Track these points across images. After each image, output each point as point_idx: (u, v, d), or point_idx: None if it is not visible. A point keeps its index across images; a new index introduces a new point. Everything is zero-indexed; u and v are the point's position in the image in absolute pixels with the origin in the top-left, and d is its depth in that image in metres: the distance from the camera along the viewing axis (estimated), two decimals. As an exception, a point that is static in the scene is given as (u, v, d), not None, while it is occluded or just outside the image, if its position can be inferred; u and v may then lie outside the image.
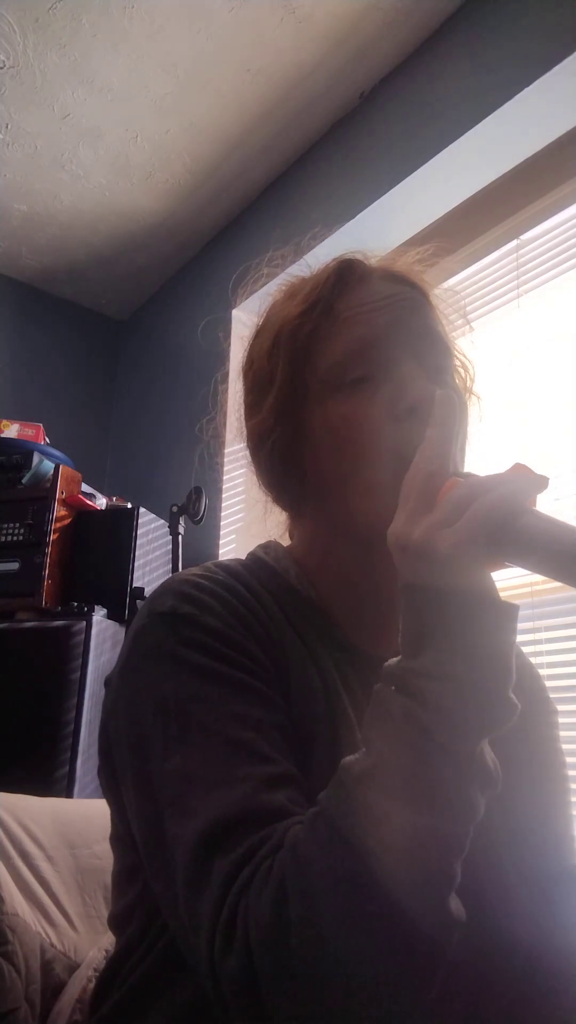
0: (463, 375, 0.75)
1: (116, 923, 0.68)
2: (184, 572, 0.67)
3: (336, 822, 0.47)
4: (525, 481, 0.51)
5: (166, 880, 0.54)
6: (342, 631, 0.69)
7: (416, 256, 0.77)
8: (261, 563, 0.72)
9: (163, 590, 0.64)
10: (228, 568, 0.68)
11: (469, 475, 0.55)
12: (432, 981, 0.46)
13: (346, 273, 0.71)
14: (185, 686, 0.57)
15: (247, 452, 0.76)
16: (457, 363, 0.74)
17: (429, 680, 0.48)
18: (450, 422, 0.55)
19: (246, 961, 0.46)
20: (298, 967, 0.45)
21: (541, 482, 0.52)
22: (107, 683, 0.67)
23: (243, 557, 0.74)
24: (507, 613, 0.50)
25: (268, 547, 0.75)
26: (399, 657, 0.51)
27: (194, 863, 0.50)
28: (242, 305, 2.43)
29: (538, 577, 1.55)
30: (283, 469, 0.71)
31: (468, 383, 0.76)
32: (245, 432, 0.76)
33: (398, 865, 0.45)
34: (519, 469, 0.53)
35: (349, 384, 0.66)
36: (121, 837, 0.67)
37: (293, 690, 0.61)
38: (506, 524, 0.49)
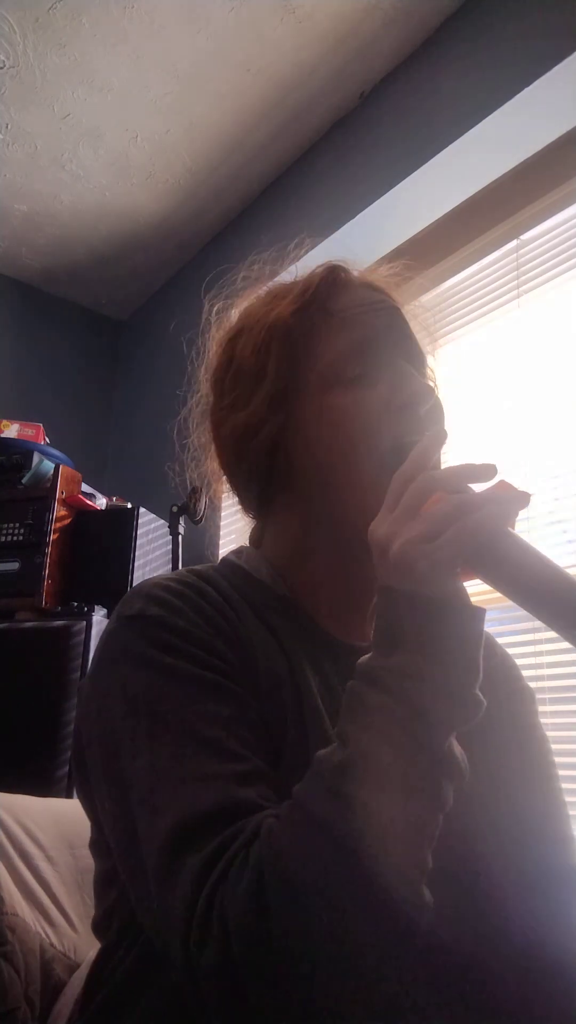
0: (433, 386, 0.78)
1: (97, 928, 0.69)
2: (155, 577, 0.69)
3: (315, 811, 0.49)
4: (508, 501, 0.53)
5: (138, 879, 0.54)
6: (317, 624, 0.70)
7: (387, 270, 0.81)
8: (233, 566, 0.74)
9: (132, 594, 0.66)
10: (198, 572, 0.69)
11: (452, 482, 0.56)
12: (406, 964, 0.48)
13: (336, 276, 0.75)
14: (154, 686, 0.58)
15: (224, 452, 0.76)
16: (428, 371, 0.78)
17: (403, 679, 0.51)
18: (477, 474, 0.57)
19: (224, 951, 0.46)
20: (278, 954, 0.45)
21: (523, 500, 0.54)
22: (79, 689, 0.67)
23: (211, 564, 0.75)
24: (475, 616, 0.53)
25: (240, 552, 0.77)
26: (371, 655, 0.54)
27: (165, 860, 0.51)
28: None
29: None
30: (270, 462, 0.72)
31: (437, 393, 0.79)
32: (219, 433, 0.77)
33: (376, 852, 0.47)
34: (503, 487, 0.55)
35: (347, 380, 0.69)
36: (98, 843, 0.68)
37: (262, 687, 0.62)
38: (485, 547, 0.51)
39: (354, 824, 0.47)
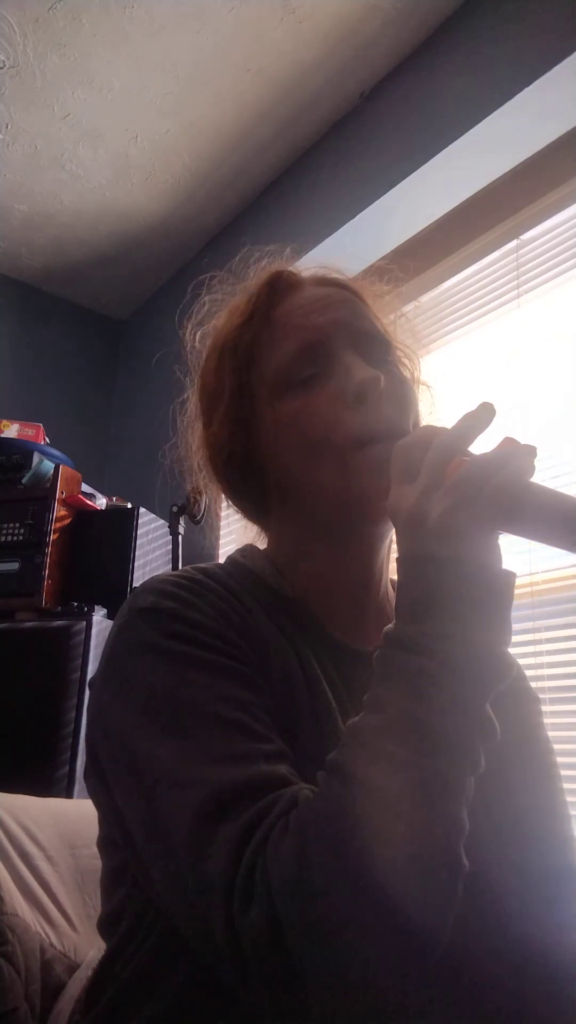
0: (408, 365, 0.78)
1: (105, 926, 0.68)
2: (162, 574, 0.69)
3: (353, 771, 0.49)
4: (524, 454, 0.55)
5: (164, 854, 0.54)
6: (320, 624, 0.71)
7: (383, 289, 0.81)
8: (238, 565, 0.74)
9: (143, 589, 0.66)
10: (205, 570, 0.70)
11: (464, 444, 0.58)
12: (446, 930, 0.48)
13: (277, 282, 0.75)
14: (172, 675, 0.58)
15: (210, 472, 0.79)
16: (400, 355, 0.77)
17: (441, 640, 0.52)
18: (478, 423, 0.58)
19: (269, 912, 0.46)
20: (323, 915, 0.46)
21: (533, 451, 0.56)
22: (91, 684, 0.67)
23: (217, 563, 0.75)
24: (509, 580, 0.54)
25: (244, 551, 0.77)
26: (399, 624, 0.54)
27: (197, 830, 0.51)
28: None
29: (538, 577, 1.55)
30: (242, 476, 0.74)
31: (416, 373, 0.79)
32: (203, 452, 0.79)
33: (416, 810, 0.48)
34: (510, 443, 0.57)
35: (297, 384, 0.70)
36: (107, 839, 0.67)
37: (275, 680, 0.63)
38: (520, 499, 0.53)
39: (396, 782, 0.48)
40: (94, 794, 0.68)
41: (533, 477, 0.55)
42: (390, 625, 0.55)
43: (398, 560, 0.57)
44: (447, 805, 0.49)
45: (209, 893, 0.49)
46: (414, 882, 0.47)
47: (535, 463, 0.55)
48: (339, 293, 0.75)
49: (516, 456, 0.54)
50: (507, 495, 0.53)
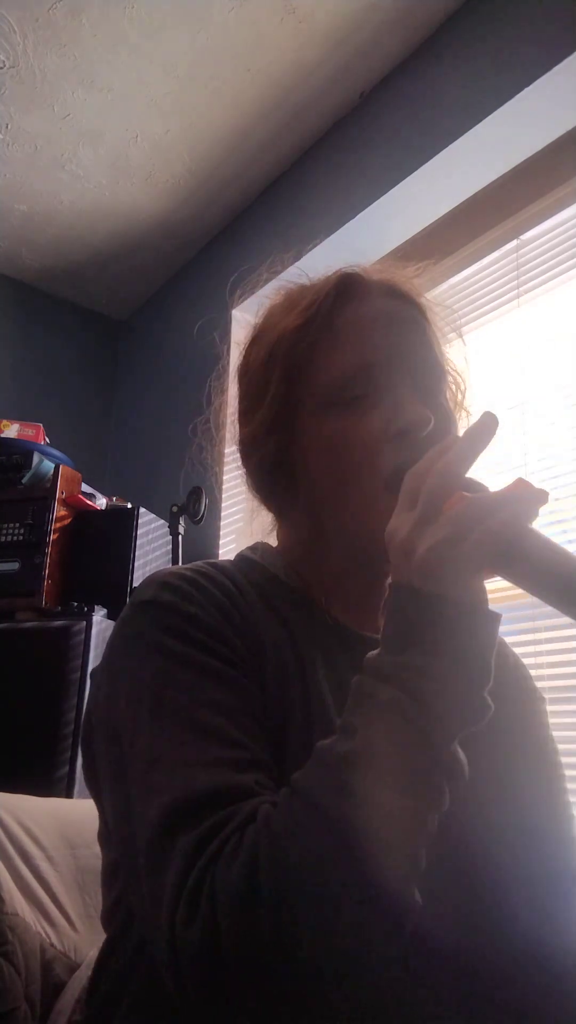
0: (454, 390, 0.77)
1: (105, 919, 0.69)
2: (170, 567, 0.70)
3: (315, 799, 0.49)
4: (528, 499, 0.53)
5: (131, 860, 0.54)
6: (329, 614, 0.71)
7: (415, 272, 0.78)
8: (248, 560, 0.75)
9: (147, 581, 0.67)
10: (213, 564, 0.71)
11: (474, 486, 0.56)
12: (392, 949, 0.48)
13: (346, 287, 0.72)
14: (161, 671, 0.59)
15: (241, 461, 0.78)
16: (449, 379, 0.76)
17: (418, 675, 0.51)
18: (480, 442, 0.56)
19: (210, 930, 0.46)
20: (265, 938, 0.45)
21: (542, 497, 0.54)
22: (93, 675, 0.68)
23: (227, 559, 0.76)
24: (493, 620, 0.53)
25: (255, 547, 0.78)
26: (381, 651, 0.54)
27: (157, 838, 0.51)
28: (241, 305, 2.43)
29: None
30: (271, 480, 0.74)
31: (459, 398, 0.78)
32: (238, 435, 0.78)
33: (373, 844, 0.47)
34: (520, 485, 0.54)
35: (345, 402, 0.68)
36: (105, 833, 0.68)
37: (269, 676, 0.63)
38: (511, 546, 0.51)
39: (354, 815, 0.47)
40: (89, 785, 0.69)
41: (538, 524, 0.53)
42: (372, 652, 0.55)
43: (388, 587, 0.56)
44: (406, 843, 0.48)
45: (158, 903, 0.49)
46: (360, 918, 0.46)
47: (539, 510, 0.53)
48: (406, 311, 0.73)
49: (519, 501, 0.53)
50: (500, 540, 0.51)
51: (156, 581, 0.66)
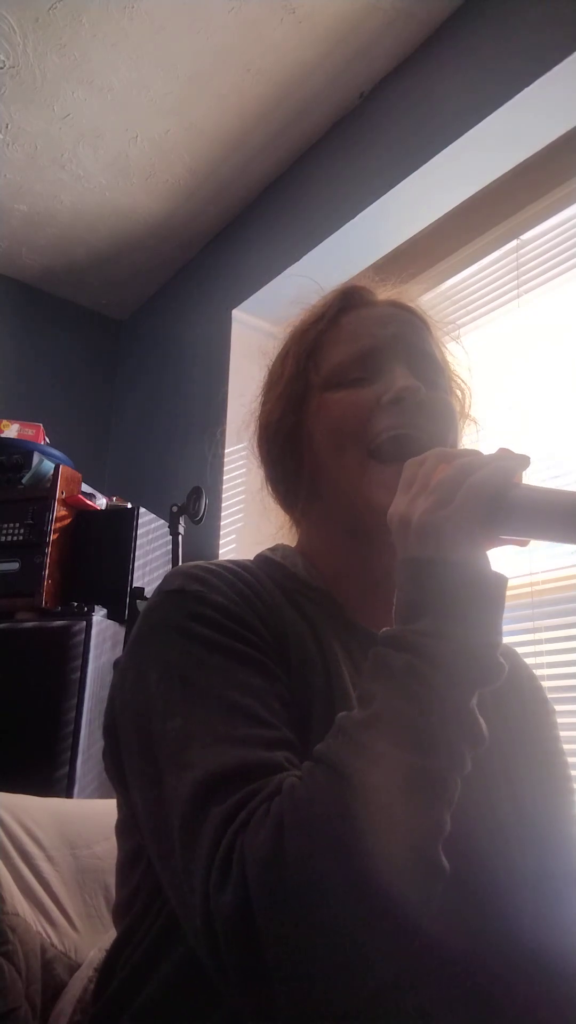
0: (460, 398, 0.82)
1: (119, 912, 0.69)
2: (193, 562, 0.72)
3: (336, 763, 0.50)
4: (510, 459, 0.56)
5: (164, 837, 0.55)
6: (348, 613, 0.73)
7: (420, 291, 0.84)
8: (268, 560, 0.77)
9: (173, 573, 0.69)
10: (234, 561, 0.73)
11: (455, 453, 0.60)
12: (419, 924, 0.48)
13: (352, 295, 0.80)
14: (190, 654, 0.60)
15: (256, 450, 0.83)
16: (454, 386, 0.81)
17: (428, 637, 0.53)
18: (504, 467, 0.57)
19: (242, 895, 0.47)
20: (293, 900, 0.46)
21: (524, 460, 0.57)
22: (116, 664, 0.70)
23: (247, 558, 0.78)
24: (497, 581, 0.56)
25: (275, 548, 0.80)
26: (394, 625, 0.56)
27: (190, 812, 0.52)
28: (241, 306, 2.43)
29: (538, 577, 1.55)
30: (282, 455, 0.78)
31: (466, 407, 0.82)
32: (257, 430, 0.83)
33: (394, 803, 0.49)
34: (501, 451, 0.58)
35: (347, 383, 0.74)
36: (125, 821, 0.69)
37: (294, 666, 0.64)
38: (499, 497, 0.54)
39: (376, 776, 0.49)
40: (111, 773, 0.70)
41: (525, 481, 0.56)
42: (386, 628, 0.56)
43: (396, 566, 0.59)
44: (426, 802, 0.50)
45: (191, 875, 0.51)
46: (387, 878, 0.47)
47: (524, 468, 0.56)
48: (406, 315, 0.79)
49: (500, 459, 0.56)
50: (484, 494, 0.54)
51: (182, 572, 0.68)
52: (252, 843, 0.48)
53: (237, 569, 0.70)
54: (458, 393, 0.81)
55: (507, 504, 0.54)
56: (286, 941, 0.46)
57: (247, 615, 0.64)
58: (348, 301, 0.80)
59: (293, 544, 0.82)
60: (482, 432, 0.84)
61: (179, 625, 0.62)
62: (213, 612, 0.63)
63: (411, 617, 0.55)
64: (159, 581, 0.70)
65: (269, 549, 0.80)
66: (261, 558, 0.78)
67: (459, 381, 0.82)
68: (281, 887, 0.47)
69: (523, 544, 0.58)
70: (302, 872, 0.47)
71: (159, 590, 0.67)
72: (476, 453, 0.59)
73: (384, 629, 0.57)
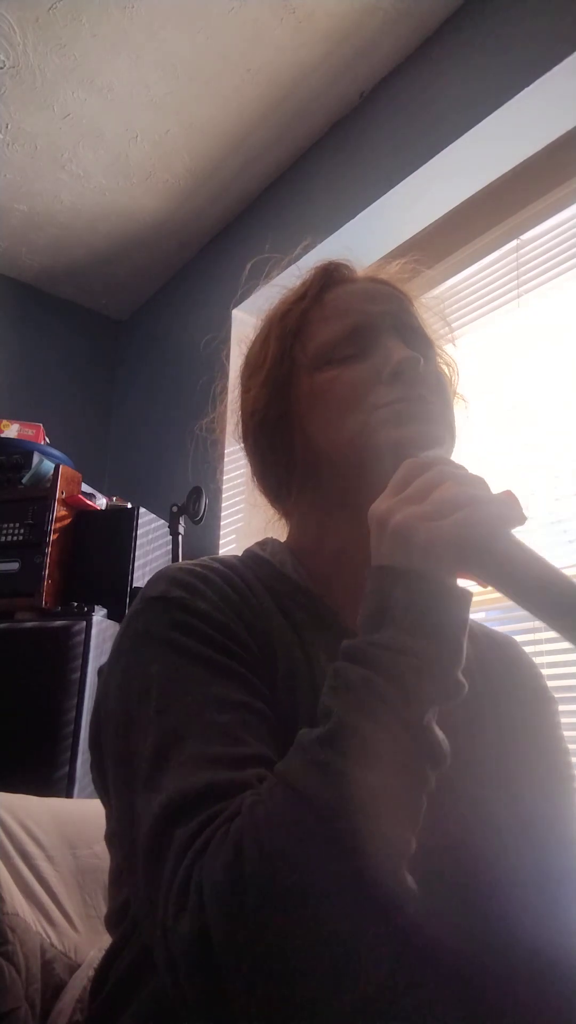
0: (447, 373, 0.79)
1: (111, 922, 0.69)
2: (179, 563, 0.69)
3: (294, 782, 0.48)
4: (514, 508, 0.54)
5: (133, 859, 0.54)
6: (338, 617, 0.70)
7: (397, 267, 0.82)
8: (257, 558, 0.74)
9: (157, 577, 0.67)
10: (222, 560, 0.71)
11: (464, 477, 0.57)
12: (384, 945, 0.46)
13: (333, 271, 0.78)
14: (170, 667, 0.59)
15: (242, 443, 0.80)
16: (441, 361, 0.79)
17: (387, 651, 0.51)
18: (506, 515, 0.54)
19: (199, 924, 0.45)
20: (253, 926, 0.44)
21: (523, 518, 0.54)
22: (100, 672, 0.68)
23: (235, 555, 0.76)
24: (463, 598, 0.54)
25: (264, 543, 0.77)
26: (358, 636, 0.54)
27: (155, 835, 0.51)
28: (241, 305, 2.43)
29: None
30: (271, 444, 0.75)
31: (454, 383, 0.80)
32: (240, 422, 0.80)
33: (355, 823, 0.46)
34: (508, 496, 0.55)
35: (338, 360, 0.71)
36: (113, 835, 0.68)
37: (278, 677, 0.63)
38: (489, 539, 0.52)
39: (334, 794, 0.47)
40: (97, 785, 0.69)
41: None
42: (347, 640, 0.54)
43: (367, 572, 0.56)
44: (387, 822, 0.47)
45: (154, 904, 0.49)
46: (349, 901, 0.45)
47: (520, 525, 0.53)
48: (391, 291, 0.77)
49: (505, 504, 0.53)
50: (475, 530, 0.52)
51: (166, 576, 0.66)
52: (210, 869, 0.46)
53: (225, 570, 0.68)
54: (445, 368, 0.79)
55: (491, 550, 0.52)
56: (245, 972, 0.44)
57: (232, 623, 0.62)
58: (330, 278, 0.77)
59: (283, 537, 0.80)
60: (470, 411, 0.82)
61: (159, 634, 0.61)
62: (196, 620, 0.61)
63: (374, 627, 0.53)
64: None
65: (258, 544, 0.77)
66: (249, 554, 0.76)
67: (446, 357, 0.81)
68: (239, 915, 0.44)
69: (483, 586, 0.55)
70: (260, 899, 0.45)
71: (142, 595, 0.65)
72: (484, 484, 0.56)
73: (345, 642, 0.54)
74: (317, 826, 0.46)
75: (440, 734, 0.51)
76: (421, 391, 0.68)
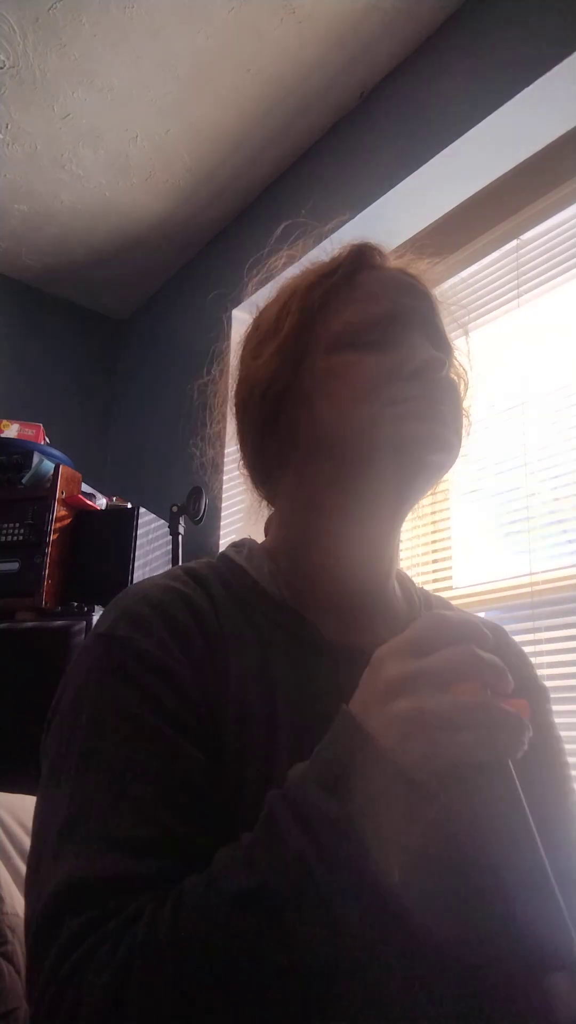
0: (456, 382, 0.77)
1: None
2: (144, 582, 0.67)
3: (201, 934, 0.46)
4: (523, 731, 0.47)
5: (29, 906, 0.53)
6: (314, 627, 0.68)
7: (426, 264, 0.80)
8: (231, 564, 0.72)
9: (111, 606, 0.65)
10: (194, 573, 0.68)
11: (492, 677, 0.49)
12: (388, 967, 0.47)
13: (367, 252, 0.75)
14: (98, 720, 0.57)
15: (236, 411, 0.77)
16: (453, 373, 0.77)
17: (333, 828, 0.46)
18: (511, 743, 0.48)
19: None
20: None
21: (520, 743, 0.47)
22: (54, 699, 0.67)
23: (209, 559, 0.74)
24: (432, 802, 0.48)
25: (240, 546, 0.75)
26: (309, 777, 0.48)
27: (48, 915, 0.50)
28: (241, 305, 2.43)
29: (538, 577, 1.55)
30: (271, 417, 0.72)
31: (463, 393, 0.78)
32: (237, 388, 0.77)
33: (253, 998, 0.45)
34: (525, 711, 0.48)
35: (360, 345, 0.69)
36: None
37: (230, 716, 0.60)
38: (469, 773, 0.47)
39: (236, 964, 0.45)
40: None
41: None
42: (300, 767, 0.50)
43: (337, 712, 0.51)
44: (283, 1003, 0.45)
45: (34, 982, 0.48)
46: None
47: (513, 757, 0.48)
48: (423, 288, 0.75)
49: (515, 730, 0.46)
50: (483, 755, 0.46)
51: (120, 606, 0.64)
52: (91, 984, 0.45)
53: (187, 592, 0.65)
54: (455, 378, 0.77)
55: (487, 783, 0.47)
56: None
57: (176, 665, 0.59)
58: (363, 259, 0.74)
59: (260, 538, 0.77)
60: (478, 432, 0.80)
61: (98, 679, 0.59)
62: (135, 664, 0.58)
63: (327, 784, 0.47)
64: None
65: (234, 547, 0.75)
66: (224, 559, 0.73)
67: (460, 370, 0.79)
68: None
69: None
70: None
71: (94, 629, 0.63)
72: (526, 706, 0.48)
73: (297, 774, 0.49)
74: (211, 990, 0.44)
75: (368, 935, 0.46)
76: (439, 395, 0.67)
